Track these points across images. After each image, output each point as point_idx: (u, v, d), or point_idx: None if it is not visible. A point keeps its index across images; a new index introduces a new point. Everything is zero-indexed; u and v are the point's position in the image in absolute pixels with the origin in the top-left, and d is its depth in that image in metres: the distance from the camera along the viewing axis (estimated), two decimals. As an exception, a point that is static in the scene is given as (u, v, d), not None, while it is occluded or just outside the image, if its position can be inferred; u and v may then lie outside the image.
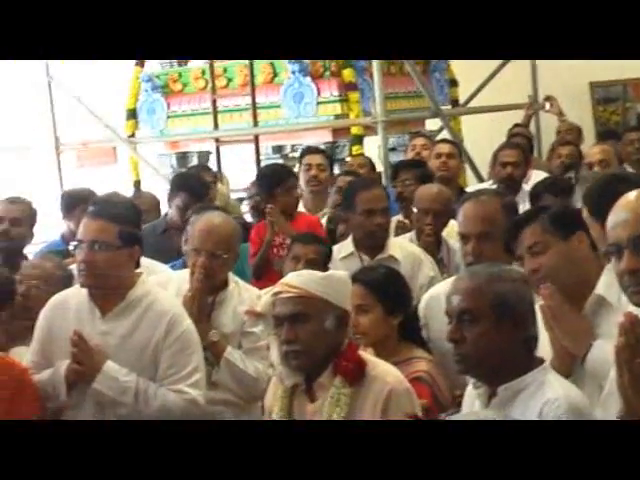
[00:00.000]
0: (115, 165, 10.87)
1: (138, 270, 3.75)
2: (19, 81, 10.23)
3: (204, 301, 3.98)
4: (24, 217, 5.25)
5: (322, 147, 7.45)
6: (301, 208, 6.21)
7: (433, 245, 5.00)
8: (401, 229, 5.50)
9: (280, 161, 8.14)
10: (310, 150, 6.86)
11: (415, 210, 5.13)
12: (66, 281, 4.16)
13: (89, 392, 3.59)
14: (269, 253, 5.46)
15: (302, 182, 6.38)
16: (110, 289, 3.62)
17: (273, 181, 5.78)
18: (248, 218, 6.70)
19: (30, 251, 5.62)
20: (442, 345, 3.39)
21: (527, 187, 6.05)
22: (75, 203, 5.67)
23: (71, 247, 3.71)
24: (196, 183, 5.94)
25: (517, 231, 3.09)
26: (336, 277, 3.19)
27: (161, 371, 3.60)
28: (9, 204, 5.29)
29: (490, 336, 2.59)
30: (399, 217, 5.74)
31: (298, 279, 3.12)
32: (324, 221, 5.88)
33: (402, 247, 4.81)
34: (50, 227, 6.49)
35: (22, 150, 10.41)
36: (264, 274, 5.29)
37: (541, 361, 2.68)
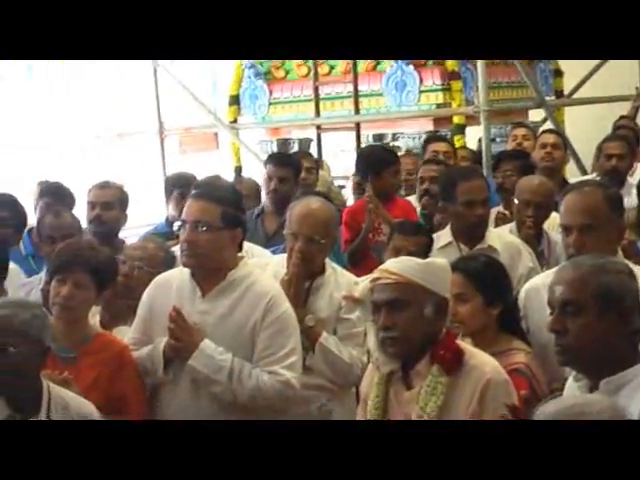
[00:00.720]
0: (216, 151, 11.01)
1: (240, 253, 3.77)
2: (125, 67, 10.43)
3: (301, 286, 3.99)
4: (114, 201, 5.30)
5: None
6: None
7: (534, 237, 4.93)
8: (501, 220, 5.44)
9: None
10: (436, 138, 6.87)
11: (516, 201, 5.06)
12: (168, 262, 4.23)
13: (185, 369, 3.62)
14: (366, 238, 5.45)
15: None
16: (211, 269, 3.65)
17: (374, 163, 5.77)
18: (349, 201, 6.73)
19: (135, 234, 5.73)
20: (541, 337, 3.36)
21: (632, 180, 5.93)
22: (174, 187, 5.76)
23: (175, 227, 3.76)
24: (278, 153, 5.96)
25: None
26: (436, 264, 3.17)
27: (257, 352, 3.61)
28: (99, 190, 5.35)
29: (593, 328, 2.54)
30: (499, 208, 5.67)
31: (397, 265, 3.10)
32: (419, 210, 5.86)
33: (501, 237, 4.76)
34: (155, 211, 6.62)
35: (127, 135, 10.60)
36: (360, 260, 5.29)
37: (646, 354, 2.62)
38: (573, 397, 2.52)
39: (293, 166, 5.92)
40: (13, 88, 10.71)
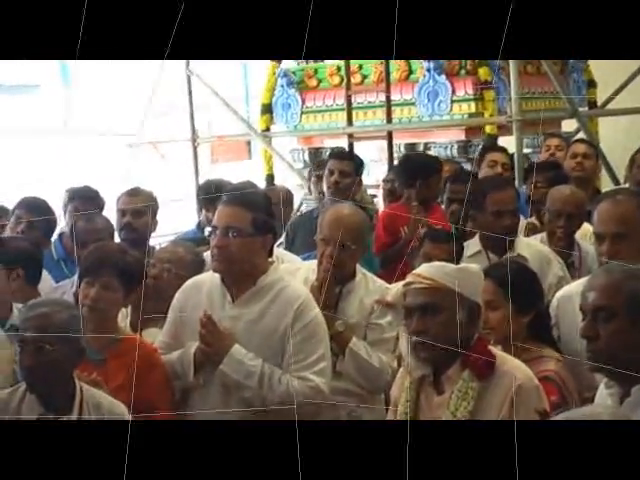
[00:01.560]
0: (247, 160, 11.05)
1: (270, 259, 3.78)
2: (159, 76, 10.50)
3: (331, 291, 3.99)
4: (145, 208, 5.33)
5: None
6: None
7: (565, 248, 4.89)
8: (531, 231, 5.40)
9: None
10: (493, 148, 6.82)
11: (547, 212, 5.02)
12: (197, 266, 4.24)
13: (216, 374, 3.63)
14: (406, 246, 5.41)
15: None
16: (242, 275, 3.65)
17: (424, 169, 5.74)
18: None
19: (166, 242, 5.74)
20: (573, 345, 3.35)
21: (665, 191, 5.86)
22: (216, 193, 5.78)
23: (206, 233, 3.77)
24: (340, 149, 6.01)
25: None
26: (469, 270, 3.17)
27: (287, 357, 3.61)
28: (128, 197, 5.36)
29: (625, 334, 2.53)
30: (531, 220, 5.63)
31: (430, 270, 3.10)
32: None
33: (530, 246, 4.74)
34: (187, 219, 6.64)
35: (160, 144, 10.65)
36: (393, 264, 5.25)
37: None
38: (582, 409, 2.51)
39: (354, 161, 5.96)
40: (48, 96, 10.82)
